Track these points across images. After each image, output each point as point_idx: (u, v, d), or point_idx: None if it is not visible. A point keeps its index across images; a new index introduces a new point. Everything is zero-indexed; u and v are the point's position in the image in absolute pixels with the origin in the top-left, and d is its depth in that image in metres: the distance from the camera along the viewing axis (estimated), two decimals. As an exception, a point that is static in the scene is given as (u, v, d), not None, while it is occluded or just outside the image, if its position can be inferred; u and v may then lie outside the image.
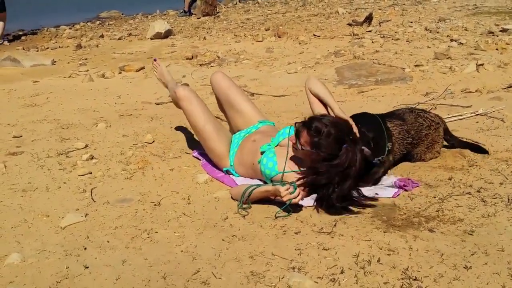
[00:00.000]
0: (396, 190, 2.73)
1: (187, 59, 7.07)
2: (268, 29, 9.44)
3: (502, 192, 2.62)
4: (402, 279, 1.93)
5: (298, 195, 2.50)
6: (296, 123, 2.71)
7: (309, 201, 2.68)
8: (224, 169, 3.09)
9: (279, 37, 8.44)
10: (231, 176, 3.06)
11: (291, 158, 2.78)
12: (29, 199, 2.82)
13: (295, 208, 2.57)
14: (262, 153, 2.88)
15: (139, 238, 2.36)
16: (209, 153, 3.14)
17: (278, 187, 2.53)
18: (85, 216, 2.58)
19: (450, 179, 2.83)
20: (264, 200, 2.66)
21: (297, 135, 2.67)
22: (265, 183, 2.86)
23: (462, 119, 3.82)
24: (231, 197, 2.77)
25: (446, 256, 2.06)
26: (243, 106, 3.28)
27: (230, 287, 1.95)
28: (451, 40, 6.80)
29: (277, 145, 2.90)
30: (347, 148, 2.57)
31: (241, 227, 2.44)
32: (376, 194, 2.72)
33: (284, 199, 2.48)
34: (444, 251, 2.10)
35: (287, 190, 2.49)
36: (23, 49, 8.82)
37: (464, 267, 1.98)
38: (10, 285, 2.01)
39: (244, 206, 2.65)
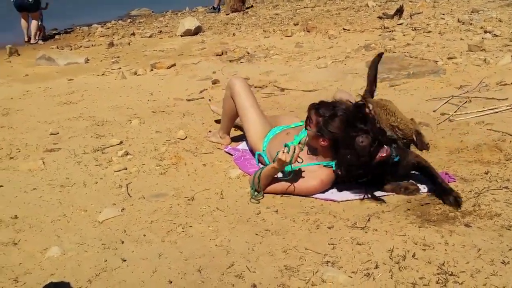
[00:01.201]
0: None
1: (217, 55, 7.10)
2: (297, 24, 9.40)
3: (540, 186, 2.56)
4: (438, 274, 1.91)
5: (294, 151, 2.62)
6: (309, 104, 2.79)
7: (342, 195, 2.68)
8: (257, 153, 3.15)
9: (308, 31, 8.39)
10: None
11: (307, 153, 2.82)
12: (67, 194, 2.90)
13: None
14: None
15: (174, 232, 2.40)
16: (247, 133, 3.25)
17: (277, 157, 2.66)
18: (121, 211, 2.64)
19: (487, 173, 2.78)
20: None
21: (309, 117, 2.75)
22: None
23: (497, 112, 3.74)
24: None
25: (483, 251, 2.04)
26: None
27: (265, 281, 1.97)
28: (485, 32, 6.64)
29: (300, 142, 2.92)
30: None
31: (274, 221, 2.46)
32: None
33: (283, 158, 2.61)
34: (481, 246, 2.07)
35: (283, 153, 2.63)
36: (57, 48, 9.03)
37: (502, 262, 1.94)
38: (51, 278, 2.08)
39: (256, 194, 2.73)
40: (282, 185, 2.77)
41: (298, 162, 2.71)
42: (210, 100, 4.09)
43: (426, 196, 2.62)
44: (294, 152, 2.64)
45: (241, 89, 3.27)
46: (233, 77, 3.42)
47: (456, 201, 2.46)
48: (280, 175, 2.82)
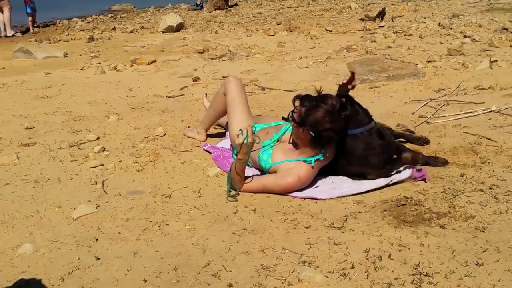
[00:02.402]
0: (410, 170, 2.79)
1: (198, 52, 7.07)
2: (280, 24, 9.42)
3: (514, 190, 2.60)
4: (413, 275, 1.92)
5: (247, 132, 2.65)
6: (294, 97, 2.81)
7: (326, 193, 2.69)
8: (234, 149, 3.13)
9: (290, 31, 8.41)
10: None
11: (286, 150, 2.83)
12: (41, 190, 2.85)
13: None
14: (263, 147, 2.95)
15: (150, 230, 2.37)
16: (231, 126, 3.24)
17: (236, 142, 2.72)
18: (96, 208, 2.60)
19: (462, 176, 2.81)
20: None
21: (294, 108, 2.76)
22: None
23: (474, 115, 3.79)
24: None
25: (458, 253, 2.05)
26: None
27: (241, 280, 1.95)
28: (465, 37, 6.74)
29: (278, 140, 2.95)
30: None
31: (251, 220, 2.44)
32: (392, 180, 2.75)
33: (237, 142, 2.67)
34: (455, 248, 2.09)
35: (238, 137, 2.68)
36: (36, 41, 8.89)
37: (476, 264, 1.96)
38: (22, 275, 2.03)
39: (232, 193, 2.73)
40: (258, 182, 2.77)
41: (256, 143, 2.73)
42: (206, 94, 4.04)
43: (403, 197, 2.64)
44: (247, 133, 2.65)
45: (236, 86, 3.29)
46: (230, 75, 3.46)
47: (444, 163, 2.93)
48: (249, 171, 2.84)
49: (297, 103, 2.74)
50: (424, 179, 2.78)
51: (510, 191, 2.58)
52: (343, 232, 2.29)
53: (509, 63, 5.18)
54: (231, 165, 2.79)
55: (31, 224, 2.45)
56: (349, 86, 2.89)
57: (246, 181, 2.77)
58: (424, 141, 3.31)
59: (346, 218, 2.42)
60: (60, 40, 8.93)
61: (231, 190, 2.75)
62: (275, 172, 2.81)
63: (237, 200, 2.67)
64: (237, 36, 8.40)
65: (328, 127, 2.63)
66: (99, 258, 2.13)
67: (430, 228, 2.28)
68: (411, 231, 2.27)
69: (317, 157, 2.74)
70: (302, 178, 2.72)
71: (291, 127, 2.90)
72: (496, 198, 2.52)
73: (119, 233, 2.35)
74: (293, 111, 2.76)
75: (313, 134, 2.65)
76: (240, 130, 2.69)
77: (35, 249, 2.20)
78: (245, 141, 2.64)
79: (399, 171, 2.83)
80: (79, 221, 2.47)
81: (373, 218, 2.43)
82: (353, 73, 2.85)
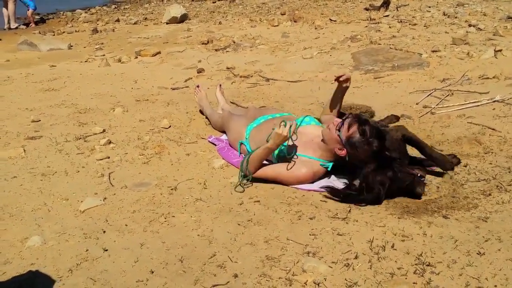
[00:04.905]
0: None
1: (202, 44, 7.07)
2: (284, 14, 9.39)
3: (518, 180, 2.61)
4: (415, 264, 1.95)
5: (290, 126, 2.69)
6: (354, 114, 2.79)
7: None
8: (239, 141, 3.17)
9: (295, 21, 8.39)
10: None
11: (303, 143, 2.84)
12: (49, 183, 2.88)
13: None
14: None
15: (157, 222, 2.40)
16: (229, 125, 3.38)
17: (274, 131, 2.70)
18: (103, 200, 2.63)
19: (466, 166, 2.82)
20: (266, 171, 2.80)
21: (347, 123, 2.66)
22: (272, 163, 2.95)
23: (479, 105, 3.79)
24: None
25: (460, 243, 2.07)
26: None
27: (246, 271, 1.98)
28: (469, 26, 6.71)
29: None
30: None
31: (256, 212, 2.47)
32: None
33: (280, 131, 2.66)
34: (458, 238, 2.11)
35: (279, 127, 2.68)
36: (40, 33, 8.91)
37: (478, 253, 1.98)
38: (31, 267, 2.07)
39: (244, 181, 2.76)
40: (273, 169, 2.80)
41: (293, 140, 2.75)
42: (220, 85, 4.08)
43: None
44: (290, 127, 2.68)
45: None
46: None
47: (451, 167, 2.73)
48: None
49: (353, 121, 2.65)
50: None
51: (513, 181, 2.60)
52: (347, 223, 2.31)
53: (514, 52, 5.16)
54: (250, 152, 2.83)
55: (39, 216, 2.49)
56: (344, 85, 3.04)
57: (262, 169, 2.81)
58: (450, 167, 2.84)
59: (350, 209, 2.45)
60: (64, 32, 8.95)
61: (243, 177, 2.78)
62: (286, 161, 2.82)
63: (244, 191, 2.69)
64: (241, 27, 8.38)
65: (362, 159, 2.61)
66: (106, 250, 2.16)
67: (433, 219, 2.30)
68: (414, 221, 2.29)
69: (333, 163, 2.78)
70: (316, 174, 2.77)
71: (310, 120, 2.98)
72: (499, 188, 2.53)
73: (126, 225, 2.38)
74: (345, 123, 2.68)
75: (347, 159, 2.67)
76: (284, 121, 2.71)
77: (43, 242, 2.24)
78: (287, 135, 2.67)
79: None
80: (87, 214, 2.50)
81: (376, 209, 2.45)
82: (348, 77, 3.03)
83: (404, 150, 2.82)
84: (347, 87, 3.10)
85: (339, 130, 2.66)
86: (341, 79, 3.04)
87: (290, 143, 2.79)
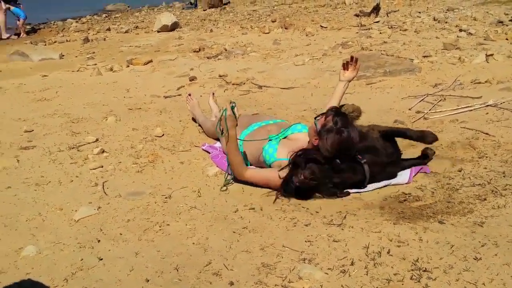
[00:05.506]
0: (408, 174, 2.81)
1: (194, 51, 7.08)
2: (275, 21, 9.42)
3: (512, 183, 2.62)
4: (412, 270, 1.94)
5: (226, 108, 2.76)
6: (333, 108, 2.85)
7: None
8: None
9: (286, 28, 8.42)
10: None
11: (293, 149, 2.84)
12: (42, 192, 2.86)
13: None
14: (269, 141, 2.99)
15: (151, 230, 2.39)
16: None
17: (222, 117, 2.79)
18: (97, 209, 2.61)
19: (460, 171, 2.83)
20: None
21: (326, 114, 2.78)
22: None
23: (471, 110, 3.81)
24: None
25: (456, 248, 2.07)
26: None
27: (242, 278, 1.97)
28: (460, 30, 6.76)
29: (285, 137, 2.98)
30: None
31: (251, 219, 2.46)
32: (389, 183, 2.76)
33: (229, 113, 2.75)
34: (454, 243, 2.11)
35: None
36: (31, 43, 8.88)
37: (474, 259, 1.98)
38: (27, 277, 2.05)
39: (229, 177, 2.86)
40: (263, 173, 2.83)
41: (236, 115, 2.79)
42: (213, 94, 4.09)
43: (402, 193, 2.66)
44: (225, 108, 2.77)
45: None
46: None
47: (434, 139, 2.87)
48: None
49: (330, 113, 2.75)
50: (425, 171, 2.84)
51: (508, 185, 2.60)
52: (342, 229, 2.31)
53: (505, 56, 5.21)
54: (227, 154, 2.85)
55: (34, 226, 2.47)
56: (352, 73, 3.19)
57: (251, 169, 2.84)
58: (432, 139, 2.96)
59: (345, 215, 2.44)
60: (55, 42, 8.92)
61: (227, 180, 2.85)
62: (277, 167, 2.83)
63: (227, 189, 2.75)
64: (232, 34, 8.40)
65: (327, 149, 2.67)
66: (101, 259, 2.15)
67: (429, 224, 2.30)
68: (409, 227, 2.29)
69: None
70: None
71: (302, 128, 3.00)
72: (494, 193, 2.54)
73: (121, 234, 2.37)
74: (324, 114, 2.78)
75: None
76: (224, 109, 2.78)
77: (38, 251, 2.22)
78: (224, 114, 2.75)
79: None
80: (81, 223, 2.49)
81: (371, 214, 2.45)
82: (352, 57, 3.13)
83: (391, 149, 2.87)
84: (347, 86, 3.24)
85: (316, 119, 2.77)
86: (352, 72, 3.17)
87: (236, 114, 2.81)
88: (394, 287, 1.85)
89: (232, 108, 2.77)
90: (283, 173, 2.72)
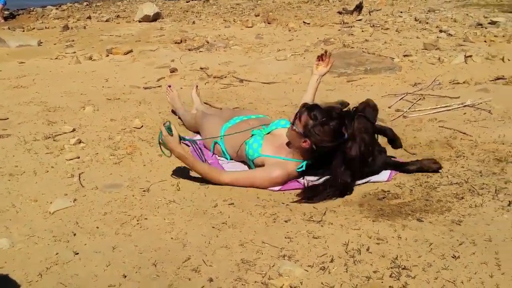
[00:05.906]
0: (389, 172, 2.81)
1: (175, 43, 7.00)
2: (258, 15, 9.40)
3: (489, 183, 2.65)
4: (391, 268, 1.95)
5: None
6: (302, 104, 2.83)
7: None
8: (214, 141, 3.18)
9: (269, 23, 8.40)
10: (219, 162, 3.12)
11: (277, 146, 2.84)
12: (17, 183, 2.78)
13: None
14: (252, 136, 2.95)
15: (129, 224, 2.35)
16: (203, 125, 3.37)
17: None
18: (73, 202, 2.55)
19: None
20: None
21: (298, 115, 2.74)
22: (249, 166, 2.96)
23: (450, 110, 3.85)
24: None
25: (435, 246, 2.09)
26: None
27: (221, 275, 1.95)
28: (440, 31, 6.84)
29: (269, 133, 2.96)
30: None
31: (231, 214, 2.44)
32: (369, 180, 2.77)
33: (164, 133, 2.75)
34: (432, 241, 2.12)
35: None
36: (9, 28, 8.69)
37: (453, 257, 2.00)
38: (0, 271, 2.00)
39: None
40: (246, 175, 2.80)
41: (170, 134, 2.76)
42: (197, 86, 4.03)
43: (381, 190, 2.67)
44: (160, 131, 2.78)
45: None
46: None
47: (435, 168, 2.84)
48: (229, 166, 2.88)
49: (303, 111, 2.73)
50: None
51: (485, 184, 2.63)
52: (322, 226, 2.30)
53: (484, 58, 5.28)
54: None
55: (7, 218, 2.40)
56: (325, 68, 3.25)
57: (230, 174, 2.79)
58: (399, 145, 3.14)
59: (325, 212, 2.44)
60: (33, 28, 8.74)
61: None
62: (260, 163, 2.83)
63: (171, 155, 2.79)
64: (215, 27, 8.34)
65: (331, 145, 2.66)
66: (77, 253, 2.10)
67: (407, 221, 2.31)
68: (388, 224, 2.29)
69: (306, 162, 2.77)
70: (290, 175, 2.77)
71: (286, 124, 2.96)
72: (471, 192, 2.57)
73: (97, 227, 2.32)
74: (297, 116, 2.75)
75: (314, 148, 2.68)
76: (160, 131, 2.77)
77: (11, 244, 2.15)
78: (160, 138, 2.77)
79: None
80: (56, 215, 2.43)
81: (351, 211, 2.45)
82: (326, 51, 3.21)
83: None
84: (320, 80, 3.31)
85: (293, 124, 2.72)
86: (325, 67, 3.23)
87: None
88: (373, 285, 1.85)
89: (168, 127, 2.74)
90: (276, 173, 2.71)
